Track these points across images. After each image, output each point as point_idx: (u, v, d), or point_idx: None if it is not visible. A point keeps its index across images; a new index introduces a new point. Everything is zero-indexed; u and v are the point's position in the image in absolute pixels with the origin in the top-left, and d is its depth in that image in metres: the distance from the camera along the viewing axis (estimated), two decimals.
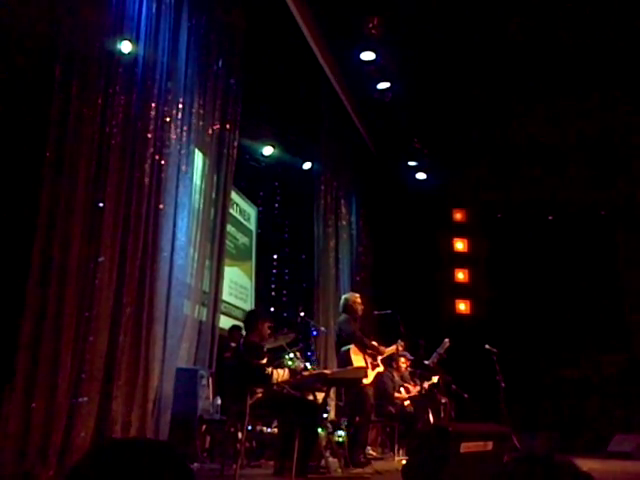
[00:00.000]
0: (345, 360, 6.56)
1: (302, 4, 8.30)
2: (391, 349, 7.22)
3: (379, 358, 6.92)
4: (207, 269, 6.85)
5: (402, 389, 8.14)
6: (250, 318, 5.69)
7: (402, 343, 7.36)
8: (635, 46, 8.92)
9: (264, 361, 5.33)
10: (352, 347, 6.58)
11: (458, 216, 13.29)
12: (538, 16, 8.64)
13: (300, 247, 11.08)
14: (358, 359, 6.56)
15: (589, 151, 11.56)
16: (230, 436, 5.84)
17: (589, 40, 8.96)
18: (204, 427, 6.39)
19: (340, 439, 6.67)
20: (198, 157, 6.87)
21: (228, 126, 7.19)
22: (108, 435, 4.77)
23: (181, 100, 6.22)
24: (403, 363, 8.30)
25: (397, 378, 8.16)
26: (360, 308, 7.00)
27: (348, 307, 6.95)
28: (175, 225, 6.03)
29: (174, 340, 5.89)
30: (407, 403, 8.05)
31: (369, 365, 6.64)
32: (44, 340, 4.38)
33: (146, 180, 5.55)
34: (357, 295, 7.14)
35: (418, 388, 8.11)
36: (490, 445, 4.25)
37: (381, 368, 6.96)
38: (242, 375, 5.22)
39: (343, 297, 7.29)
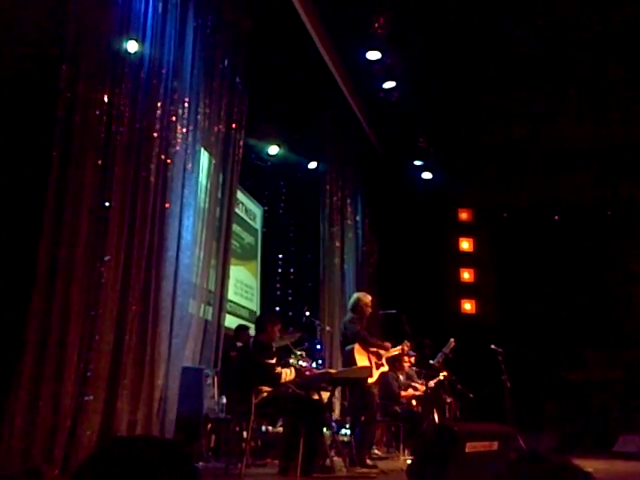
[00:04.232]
0: (349, 359, 6.56)
1: (308, 3, 8.30)
2: (397, 350, 7.21)
3: (384, 358, 6.91)
4: (213, 268, 6.85)
5: (410, 389, 8.13)
6: (262, 320, 5.87)
7: (408, 344, 7.34)
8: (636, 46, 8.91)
9: (273, 361, 5.35)
10: (356, 346, 6.57)
11: (464, 216, 13.27)
12: (543, 16, 8.62)
13: (305, 246, 11.08)
14: (362, 359, 6.55)
15: (595, 151, 11.52)
16: (235, 435, 5.86)
17: (593, 40, 8.93)
18: (209, 426, 6.41)
19: (345, 438, 6.68)
20: (204, 156, 6.88)
21: (234, 125, 7.19)
22: (114, 434, 4.78)
23: (187, 99, 6.22)
24: (406, 362, 8.29)
25: (402, 378, 8.15)
26: (368, 311, 6.98)
27: (357, 307, 6.90)
28: (181, 224, 6.03)
29: (179, 339, 5.90)
30: (414, 402, 8.05)
31: (373, 365, 6.64)
32: (50, 339, 4.39)
33: (152, 179, 5.56)
34: (369, 297, 7.05)
35: (424, 387, 8.11)
36: (495, 445, 4.24)
37: (385, 368, 6.95)
38: (251, 374, 5.25)
39: (355, 295, 7.21)
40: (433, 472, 3.79)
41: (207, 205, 6.82)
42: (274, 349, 5.49)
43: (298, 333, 6.33)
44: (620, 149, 11.41)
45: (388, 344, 6.97)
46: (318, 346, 9.10)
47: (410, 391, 8.10)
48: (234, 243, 8.83)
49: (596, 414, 11.15)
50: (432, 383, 8.02)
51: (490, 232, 12.93)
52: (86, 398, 4.62)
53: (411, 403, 8.04)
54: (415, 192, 12.44)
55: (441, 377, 8.09)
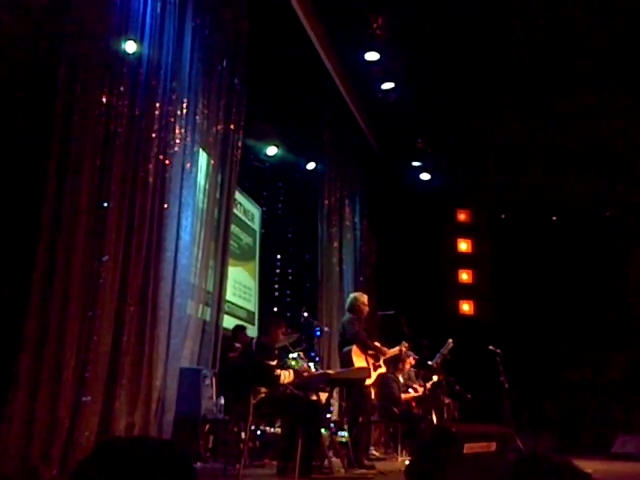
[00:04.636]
0: (347, 361, 6.57)
1: (307, 4, 8.30)
2: (395, 350, 7.21)
3: (381, 359, 6.92)
4: (211, 269, 6.85)
5: (410, 390, 8.13)
6: (268, 322, 5.92)
7: (406, 344, 7.36)
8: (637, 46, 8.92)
9: (274, 363, 5.35)
10: (354, 348, 6.58)
11: (462, 217, 13.28)
12: (540, 18, 8.63)
13: (304, 247, 11.08)
14: (359, 360, 6.56)
15: (593, 151, 11.53)
16: (233, 436, 5.85)
17: (593, 40, 8.94)
18: (207, 427, 6.40)
19: (343, 439, 6.68)
20: (202, 157, 6.88)
21: (232, 126, 7.19)
22: (112, 434, 4.77)
23: (185, 100, 6.21)
24: (408, 363, 8.29)
25: (401, 379, 8.16)
26: (366, 310, 7.00)
27: (355, 307, 6.93)
28: (179, 225, 6.02)
29: (178, 340, 5.89)
30: (413, 404, 8.05)
31: (371, 366, 6.64)
32: (48, 339, 4.38)
33: (150, 180, 5.55)
34: (365, 296, 7.11)
35: (423, 388, 8.11)
36: (493, 446, 4.24)
37: (383, 369, 6.96)
38: (250, 374, 5.25)
39: (351, 295, 7.26)
40: (431, 473, 3.78)
41: (205, 206, 6.81)
42: (276, 351, 5.51)
43: (296, 334, 6.32)
44: (618, 150, 11.42)
45: (386, 350, 6.96)
46: (315, 345, 9.09)
47: (411, 392, 8.10)
48: (232, 244, 8.82)
49: (594, 415, 11.15)
50: (428, 385, 8.03)
51: (488, 233, 12.95)
52: (84, 399, 4.61)
53: (411, 404, 8.04)
54: (413, 193, 12.45)
55: (434, 379, 8.09)
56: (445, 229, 13.08)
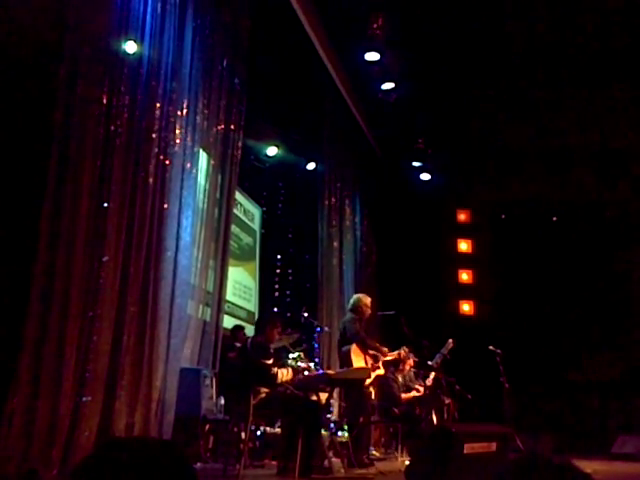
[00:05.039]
0: (346, 360, 6.57)
1: (307, 4, 8.30)
2: (394, 354, 7.22)
3: (380, 361, 6.92)
4: (211, 269, 6.85)
5: (414, 391, 8.12)
6: (262, 321, 5.91)
7: (406, 349, 7.36)
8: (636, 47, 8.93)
9: (270, 361, 5.35)
10: (353, 347, 6.59)
11: (462, 217, 13.27)
12: (541, 19, 8.63)
13: (304, 247, 11.08)
14: (358, 359, 6.57)
15: (594, 152, 11.53)
16: (233, 436, 5.85)
17: (593, 41, 8.94)
18: (207, 427, 6.40)
19: (343, 439, 6.68)
20: (202, 157, 6.88)
21: (232, 126, 7.19)
22: (112, 434, 4.77)
23: (185, 100, 6.21)
24: (408, 365, 8.29)
25: (401, 380, 8.15)
26: (368, 312, 7.01)
27: (357, 308, 6.95)
28: (179, 225, 6.02)
29: (178, 340, 5.89)
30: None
31: (369, 366, 6.64)
32: (48, 339, 4.38)
33: (150, 180, 5.55)
34: (369, 299, 7.12)
35: (423, 389, 8.11)
36: (493, 446, 4.25)
37: (381, 370, 6.96)
38: (248, 374, 5.25)
39: (355, 296, 7.29)
40: (431, 473, 3.79)
41: (206, 206, 6.82)
42: (271, 350, 5.50)
43: (297, 334, 6.32)
44: (619, 150, 11.42)
45: (385, 349, 6.97)
46: (316, 345, 9.10)
47: (414, 393, 8.10)
48: (232, 244, 8.82)
49: (594, 415, 11.15)
50: (428, 382, 8.03)
51: (488, 233, 12.94)
52: (84, 399, 4.61)
53: (413, 405, 8.04)
54: (413, 193, 12.45)
55: (431, 376, 8.08)
56: (445, 229, 13.07)
